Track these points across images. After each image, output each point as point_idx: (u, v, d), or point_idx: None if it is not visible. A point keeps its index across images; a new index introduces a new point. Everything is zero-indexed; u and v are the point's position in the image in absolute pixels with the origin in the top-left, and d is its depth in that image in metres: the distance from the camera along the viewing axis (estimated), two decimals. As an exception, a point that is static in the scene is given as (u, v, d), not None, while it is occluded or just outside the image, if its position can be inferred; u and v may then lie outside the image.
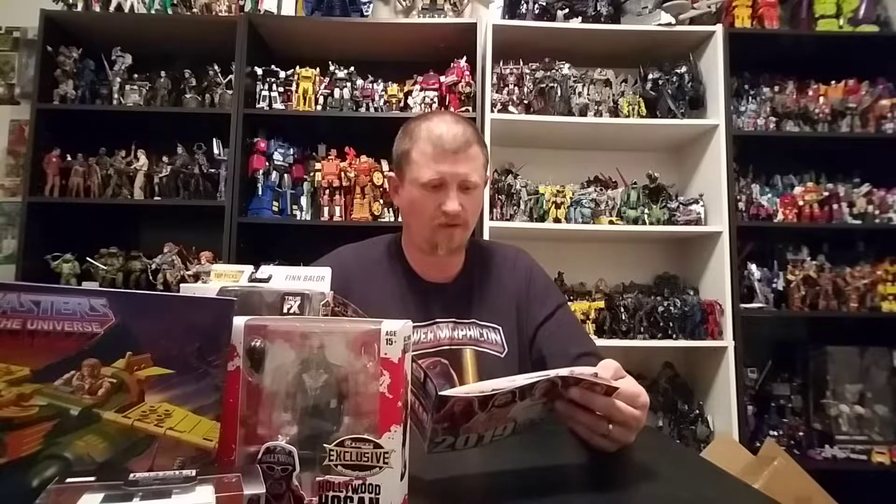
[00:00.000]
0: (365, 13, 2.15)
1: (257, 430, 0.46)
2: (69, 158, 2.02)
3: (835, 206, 2.04)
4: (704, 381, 2.06)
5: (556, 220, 2.00)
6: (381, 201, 2.04)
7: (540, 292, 1.05)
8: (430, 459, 0.58)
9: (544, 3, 2.08)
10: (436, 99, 2.06)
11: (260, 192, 2.02)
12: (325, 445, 0.44)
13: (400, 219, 2.00)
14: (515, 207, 2.05)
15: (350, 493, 0.44)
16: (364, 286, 0.99)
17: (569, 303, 1.93)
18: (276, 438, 0.45)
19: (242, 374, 0.46)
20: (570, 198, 2.03)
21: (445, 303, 1.01)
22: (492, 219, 1.95)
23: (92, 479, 0.36)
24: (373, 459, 0.44)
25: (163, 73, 2.10)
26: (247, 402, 0.46)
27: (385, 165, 2.10)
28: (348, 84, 2.06)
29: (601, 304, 2.00)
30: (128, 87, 2.07)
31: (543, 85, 2.04)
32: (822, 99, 2.08)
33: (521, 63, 2.07)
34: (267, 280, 0.62)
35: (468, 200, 0.95)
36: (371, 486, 0.44)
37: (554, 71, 2.05)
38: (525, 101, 2.05)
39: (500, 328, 1.01)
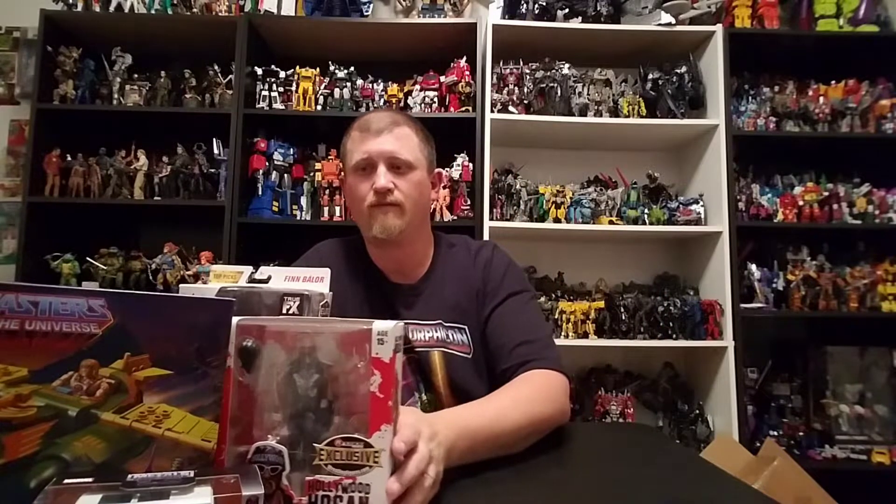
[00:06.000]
0: (365, 13, 2.15)
1: (248, 430, 0.46)
2: (69, 158, 2.02)
3: (835, 206, 2.04)
4: (704, 381, 2.06)
5: (556, 220, 2.00)
6: (381, 201, 2.04)
7: (495, 283, 0.99)
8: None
9: (544, 3, 2.08)
10: (436, 99, 2.06)
11: (260, 192, 2.02)
12: (315, 445, 0.45)
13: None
14: (515, 207, 2.04)
15: (340, 493, 0.44)
16: (338, 285, 0.96)
17: (569, 302, 1.96)
18: (267, 438, 0.45)
19: (233, 374, 0.46)
20: (570, 198, 2.03)
21: (411, 305, 0.99)
22: (492, 219, 1.95)
23: (90, 479, 0.36)
24: (363, 459, 0.44)
25: (163, 73, 2.09)
26: (237, 402, 0.46)
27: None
28: (348, 84, 2.06)
29: (601, 304, 2.00)
30: (128, 87, 2.06)
31: (543, 85, 2.04)
32: (822, 99, 2.07)
33: (521, 63, 2.06)
34: (266, 281, 0.62)
35: (403, 183, 0.94)
36: (361, 486, 0.44)
37: (554, 71, 2.05)
38: (525, 101, 2.05)
39: (465, 328, 0.97)
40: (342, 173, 1.03)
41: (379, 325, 0.45)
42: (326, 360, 0.46)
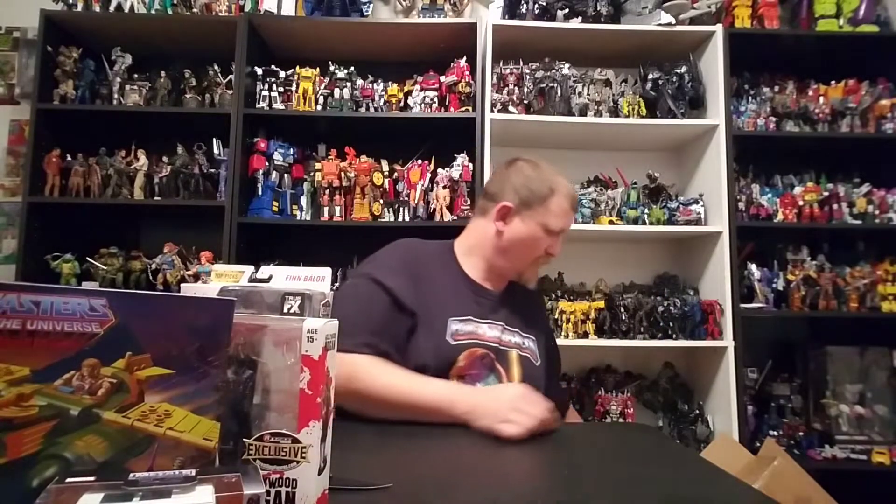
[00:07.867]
0: (365, 13, 2.15)
1: None
2: (69, 158, 2.02)
3: (835, 206, 2.04)
4: (704, 381, 2.06)
5: (556, 220, 2.00)
6: (381, 201, 2.04)
7: (540, 305, 1.36)
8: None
9: (544, 3, 2.08)
10: (436, 99, 2.06)
11: (260, 192, 2.02)
12: (244, 440, 0.45)
13: (406, 219, 2.02)
14: (515, 207, 2.04)
15: (267, 487, 0.44)
16: (429, 275, 1.09)
17: (569, 302, 1.97)
18: None
19: None
20: (570, 198, 2.03)
21: (496, 308, 1.12)
22: (492, 219, 1.95)
23: (92, 478, 0.36)
24: (291, 454, 0.45)
25: (163, 73, 2.10)
26: None
27: (385, 165, 2.10)
28: (348, 84, 2.06)
29: (601, 304, 2.00)
30: (128, 87, 2.07)
31: (543, 85, 2.04)
32: (822, 99, 2.07)
33: (521, 63, 2.06)
34: (267, 280, 0.62)
35: None
36: (288, 480, 0.45)
37: (554, 71, 2.05)
38: (525, 101, 2.05)
39: (535, 339, 1.16)
40: (505, 205, 1.13)
41: (310, 322, 0.46)
42: (258, 356, 0.47)
